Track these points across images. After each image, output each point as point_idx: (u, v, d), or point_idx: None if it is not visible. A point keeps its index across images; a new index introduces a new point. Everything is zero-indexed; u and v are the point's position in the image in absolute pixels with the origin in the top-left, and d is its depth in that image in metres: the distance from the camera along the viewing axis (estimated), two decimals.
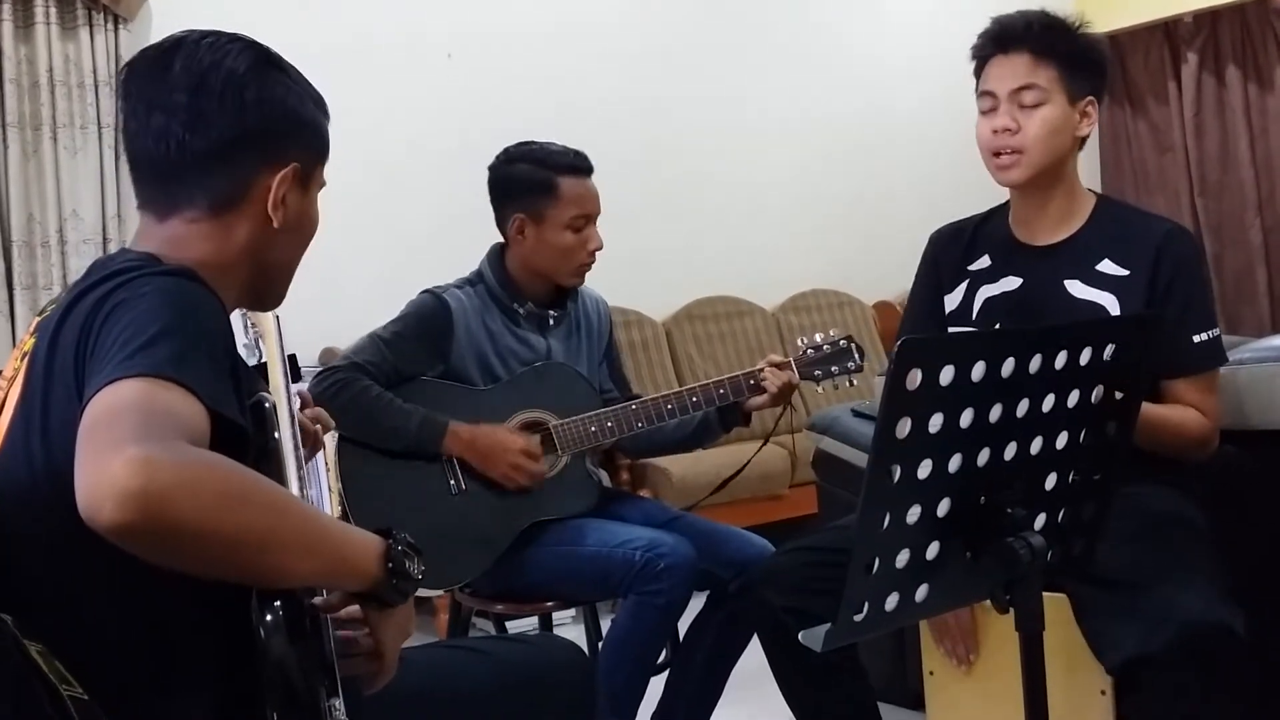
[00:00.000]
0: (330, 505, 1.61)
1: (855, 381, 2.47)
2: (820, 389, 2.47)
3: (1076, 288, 1.98)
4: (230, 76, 1.26)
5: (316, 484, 1.49)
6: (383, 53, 4.44)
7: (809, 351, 2.44)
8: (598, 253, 2.42)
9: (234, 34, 1.31)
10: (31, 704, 1.07)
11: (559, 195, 2.36)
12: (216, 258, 1.27)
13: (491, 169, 2.45)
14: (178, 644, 1.18)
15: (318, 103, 1.35)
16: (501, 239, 2.46)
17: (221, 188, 1.27)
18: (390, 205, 4.33)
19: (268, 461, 1.20)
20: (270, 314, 1.47)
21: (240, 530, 1.01)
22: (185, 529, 0.98)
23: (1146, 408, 1.80)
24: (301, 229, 1.34)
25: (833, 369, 2.43)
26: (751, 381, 2.37)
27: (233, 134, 1.26)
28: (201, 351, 1.11)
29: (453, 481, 2.34)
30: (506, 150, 2.45)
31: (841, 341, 2.44)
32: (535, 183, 2.37)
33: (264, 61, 1.30)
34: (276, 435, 1.23)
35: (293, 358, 1.55)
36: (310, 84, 1.35)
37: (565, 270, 2.42)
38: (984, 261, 2.09)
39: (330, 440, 2.29)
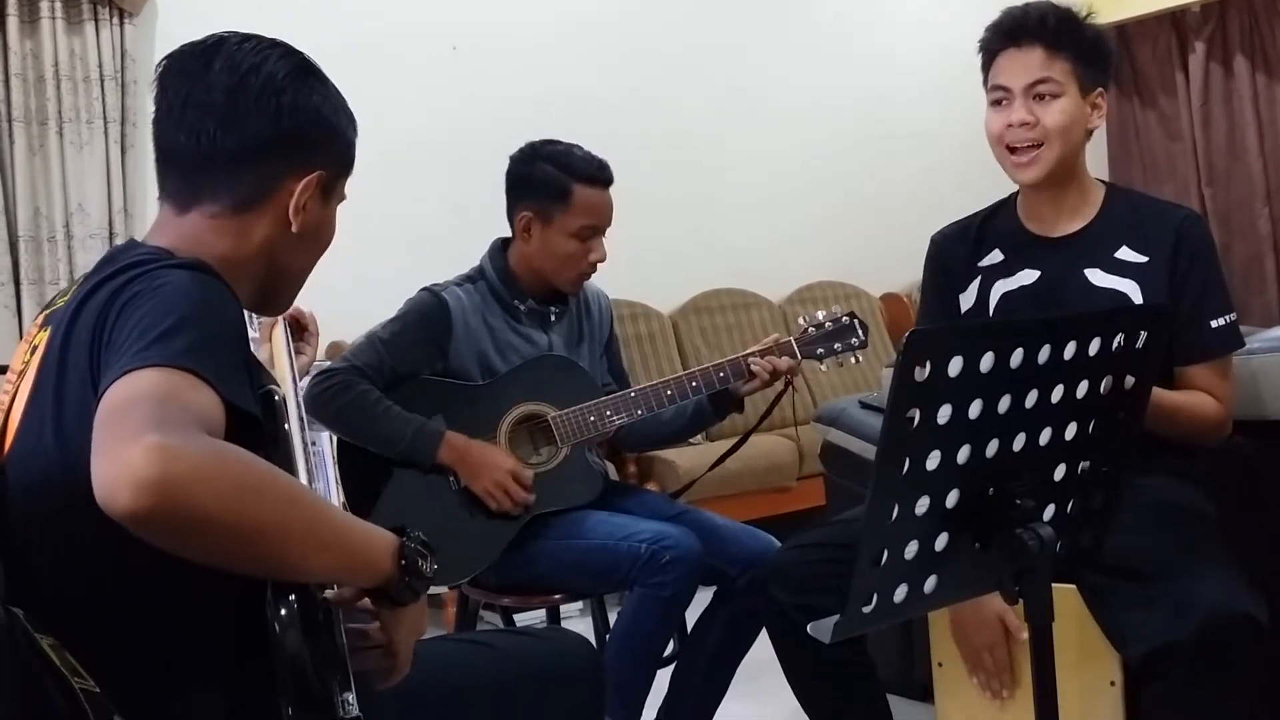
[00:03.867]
0: (336, 496, 1.62)
1: (859, 359, 2.41)
2: (824, 368, 2.42)
3: (1097, 276, 1.96)
4: (269, 80, 1.28)
5: (323, 475, 1.50)
6: (387, 46, 4.43)
7: (810, 330, 2.40)
8: (599, 264, 2.40)
9: (274, 39, 1.34)
10: (43, 697, 1.07)
11: (572, 203, 2.34)
12: (232, 255, 1.29)
13: (512, 161, 2.43)
14: (189, 637, 1.19)
15: (349, 117, 1.38)
16: (510, 231, 2.45)
17: (247, 187, 1.29)
18: (396, 198, 4.32)
19: (277, 453, 1.20)
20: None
21: (255, 521, 1.01)
22: (201, 518, 0.98)
23: (1162, 394, 1.79)
24: (318, 237, 1.37)
25: (835, 346, 2.39)
26: (750, 362, 2.34)
27: (265, 136, 1.28)
28: (217, 343, 1.12)
29: (452, 478, 2.34)
30: (532, 145, 2.42)
31: (844, 318, 2.39)
32: (551, 185, 2.35)
33: (303, 69, 1.33)
34: (286, 427, 1.24)
35: None
36: (343, 98, 1.37)
37: (563, 276, 2.41)
38: (995, 256, 2.07)
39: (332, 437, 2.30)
